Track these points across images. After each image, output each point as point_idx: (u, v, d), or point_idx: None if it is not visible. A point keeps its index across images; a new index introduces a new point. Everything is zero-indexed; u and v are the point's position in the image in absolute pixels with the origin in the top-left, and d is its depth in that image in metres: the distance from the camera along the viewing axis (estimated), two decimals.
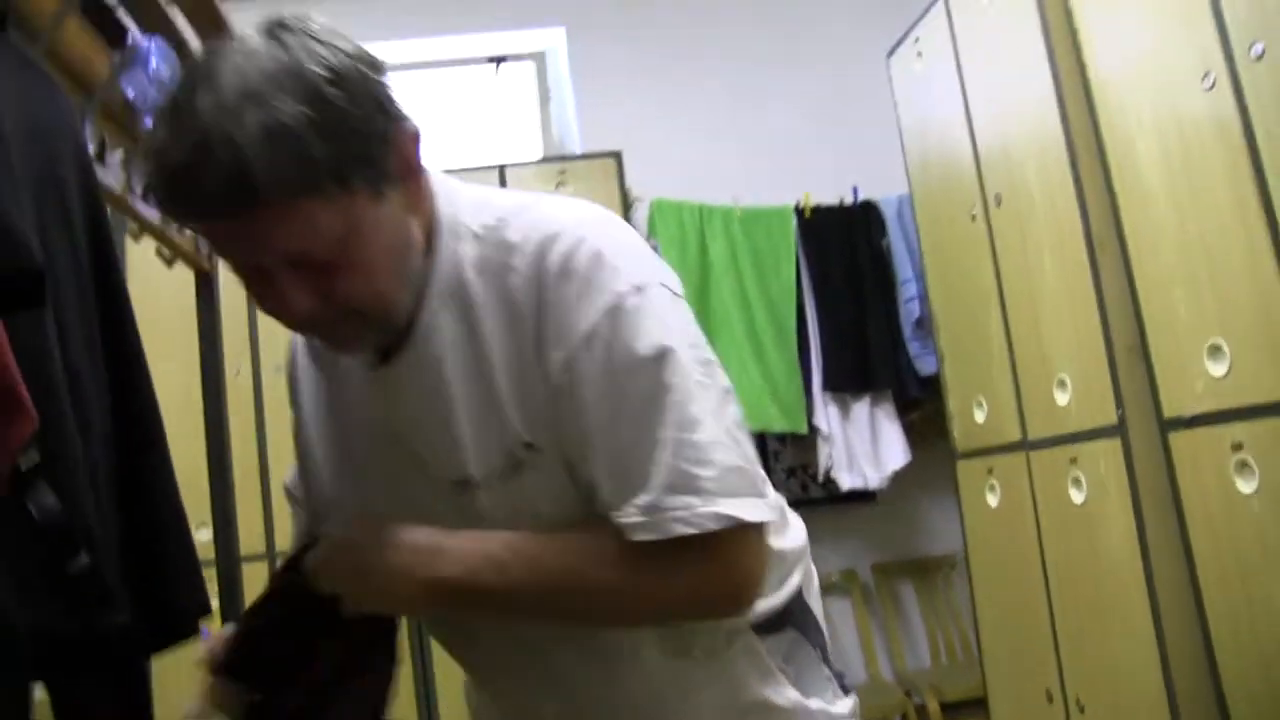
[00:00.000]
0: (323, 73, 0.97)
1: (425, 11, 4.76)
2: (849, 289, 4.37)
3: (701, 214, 4.36)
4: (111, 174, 1.77)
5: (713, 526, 1.04)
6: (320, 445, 1.29)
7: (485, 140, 4.89)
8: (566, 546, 1.10)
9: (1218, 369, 2.31)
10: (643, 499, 1.04)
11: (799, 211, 4.41)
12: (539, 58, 5.09)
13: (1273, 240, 2.14)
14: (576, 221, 1.11)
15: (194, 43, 2.13)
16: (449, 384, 1.11)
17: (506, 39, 4.98)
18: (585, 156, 4.31)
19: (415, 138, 1.07)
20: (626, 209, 4.09)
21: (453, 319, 1.11)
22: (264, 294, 1.05)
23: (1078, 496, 2.82)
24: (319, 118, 0.95)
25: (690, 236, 4.32)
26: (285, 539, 3.54)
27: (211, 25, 2.07)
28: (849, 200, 4.47)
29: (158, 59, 1.89)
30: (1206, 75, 2.25)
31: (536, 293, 1.08)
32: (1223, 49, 2.21)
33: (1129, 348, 2.61)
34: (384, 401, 1.17)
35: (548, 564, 1.09)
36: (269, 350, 3.70)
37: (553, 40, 4.99)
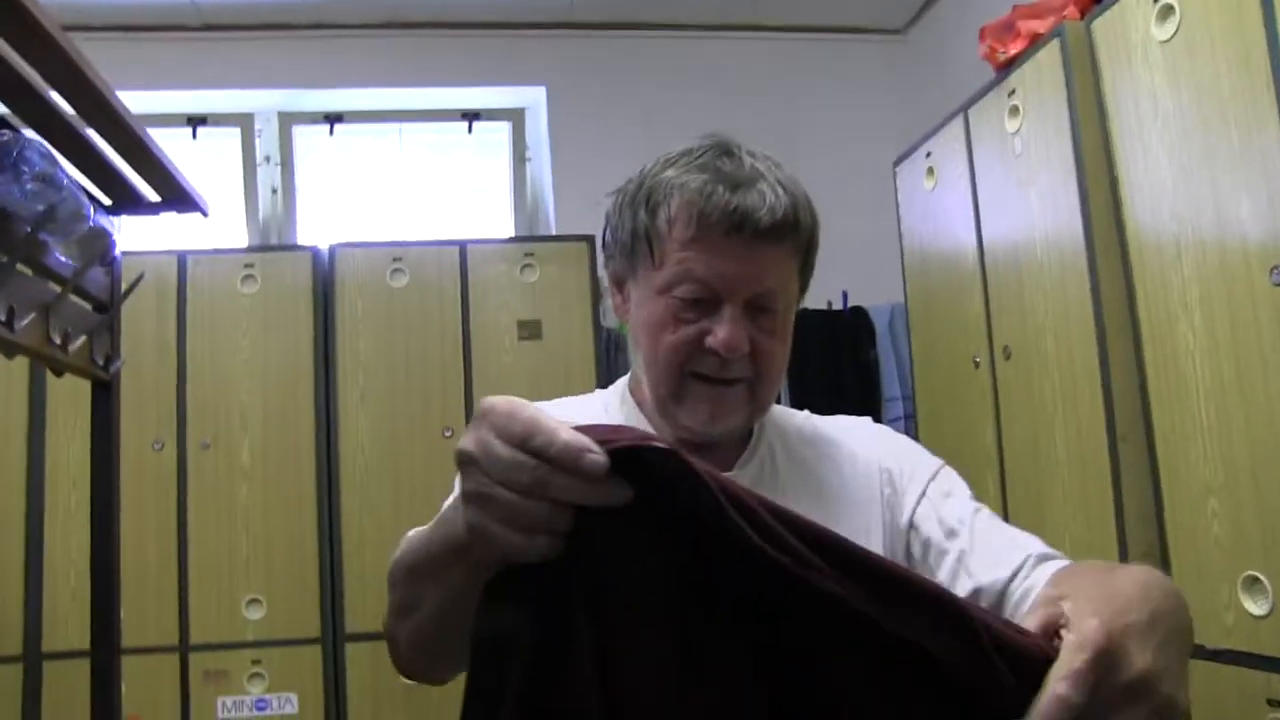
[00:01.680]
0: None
1: (399, 59, 4.41)
2: (828, 401, 3.98)
3: None
4: None
5: None
6: None
7: (453, 203, 4.50)
8: None
9: (1256, 607, 1.96)
10: None
11: None
12: (516, 116, 4.72)
13: None
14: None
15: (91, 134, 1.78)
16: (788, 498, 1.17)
17: (483, 94, 4.63)
18: (557, 238, 3.92)
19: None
20: (596, 299, 3.67)
21: (784, 451, 1.40)
22: (695, 323, 1.21)
23: None
24: (813, 214, 1.23)
25: None
26: (200, 629, 3.19)
27: (101, 113, 1.71)
28: (838, 305, 4.10)
29: (36, 159, 1.55)
30: (1276, 269, 1.89)
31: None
32: None
33: (1145, 555, 2.25)
34: None
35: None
36: (196, 427, 3.43)
37: (532, 98, 4.64)
